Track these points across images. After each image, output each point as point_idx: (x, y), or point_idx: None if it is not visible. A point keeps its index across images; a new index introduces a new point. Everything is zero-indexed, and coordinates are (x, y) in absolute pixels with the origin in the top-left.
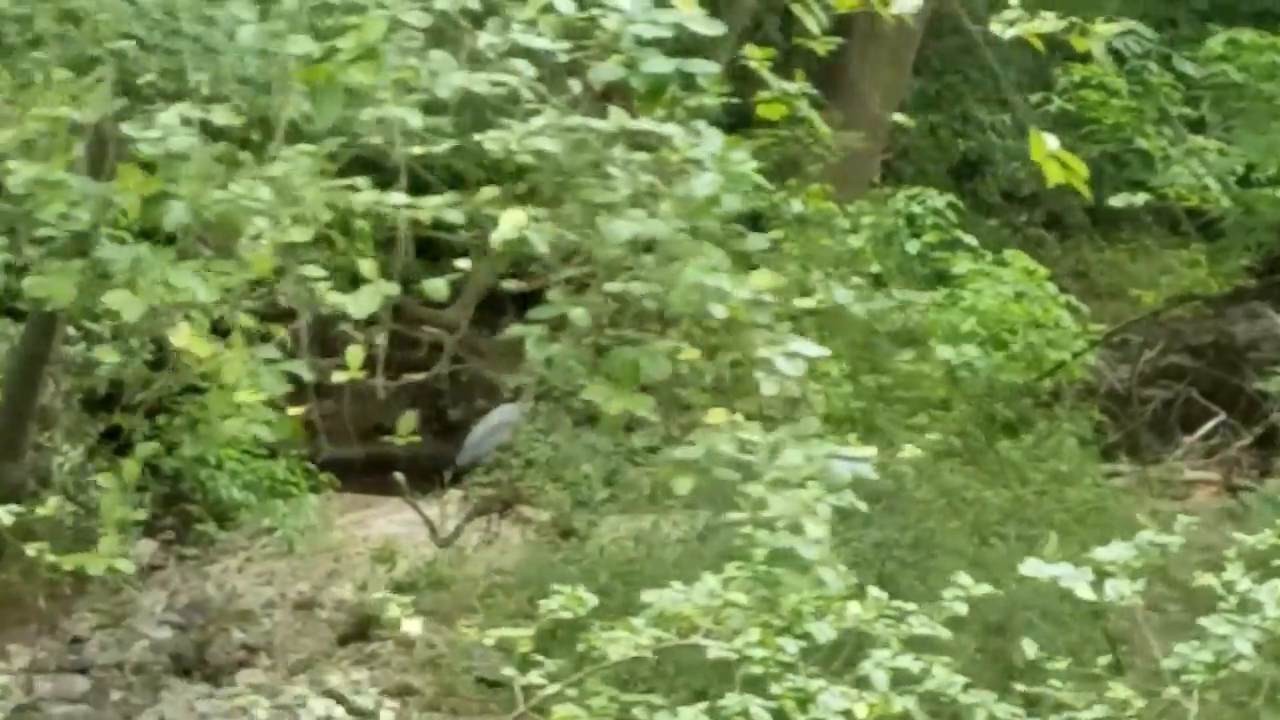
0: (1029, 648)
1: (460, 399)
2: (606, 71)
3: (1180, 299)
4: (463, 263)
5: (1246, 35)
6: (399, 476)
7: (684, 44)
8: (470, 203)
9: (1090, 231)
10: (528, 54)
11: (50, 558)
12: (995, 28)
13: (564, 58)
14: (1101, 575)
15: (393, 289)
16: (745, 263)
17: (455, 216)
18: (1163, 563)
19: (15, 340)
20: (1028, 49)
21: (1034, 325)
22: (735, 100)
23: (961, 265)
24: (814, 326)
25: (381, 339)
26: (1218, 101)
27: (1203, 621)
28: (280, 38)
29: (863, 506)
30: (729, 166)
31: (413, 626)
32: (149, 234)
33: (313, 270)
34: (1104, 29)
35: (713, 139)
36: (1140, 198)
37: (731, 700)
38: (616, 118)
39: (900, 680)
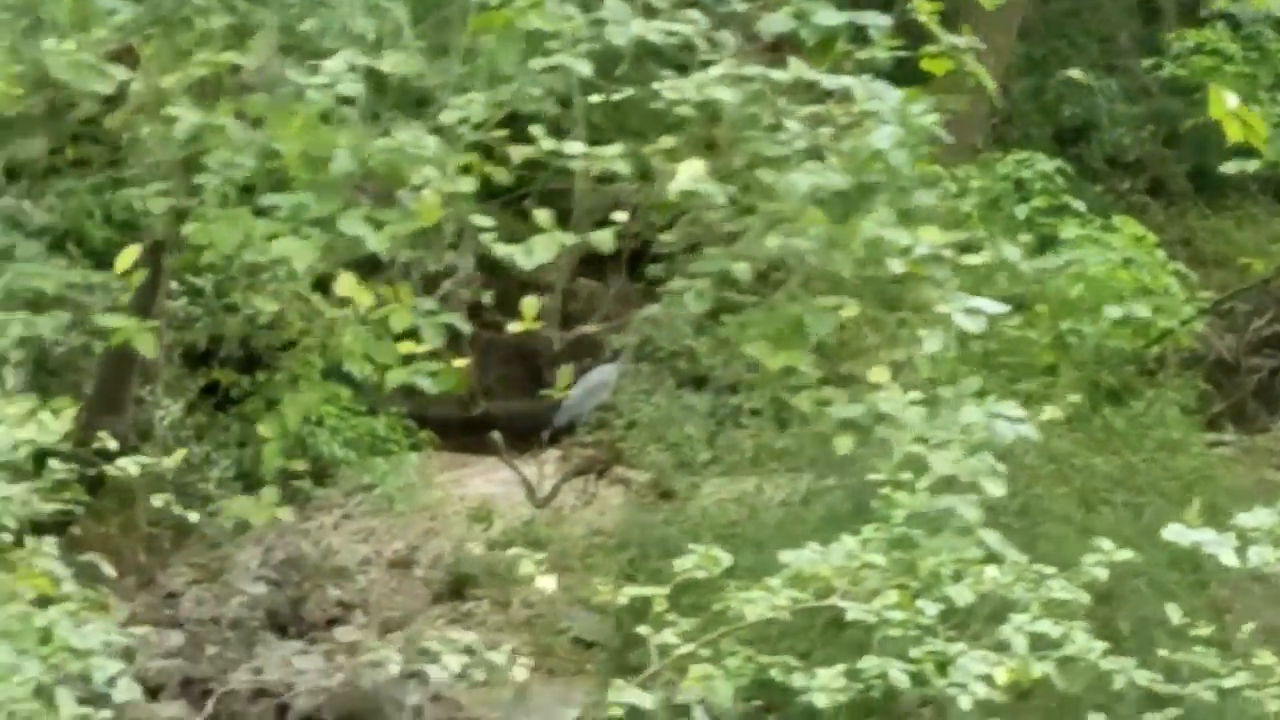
0: (1174, 612)
1: (557, 359)
2: (777, 23)
3: None
4: (620, 215)
5: None
6: (496, 436)
7: None
8: (649, 151)
9: (1194, 199)
10: (696, 5)
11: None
12: None
13: (739, 7)
14: (1245, 541)
15: (569, 238)
16: (910, 219)
17: (623, 167)
18: None
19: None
20: (1139, 13)
21: (1143, 292)
22: (905, 53)
23: (1069, 231)
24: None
25: (551, 295)
26: None
27: None
28: None
29: (1001, 469)
30: (909, 120)
31: (547, 583)
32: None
33: (481, 220)
34: None
35: (890, 92)
36: (1251, 165)
37: (870, 662)
38: (795, 68)
39: (1039, 645)
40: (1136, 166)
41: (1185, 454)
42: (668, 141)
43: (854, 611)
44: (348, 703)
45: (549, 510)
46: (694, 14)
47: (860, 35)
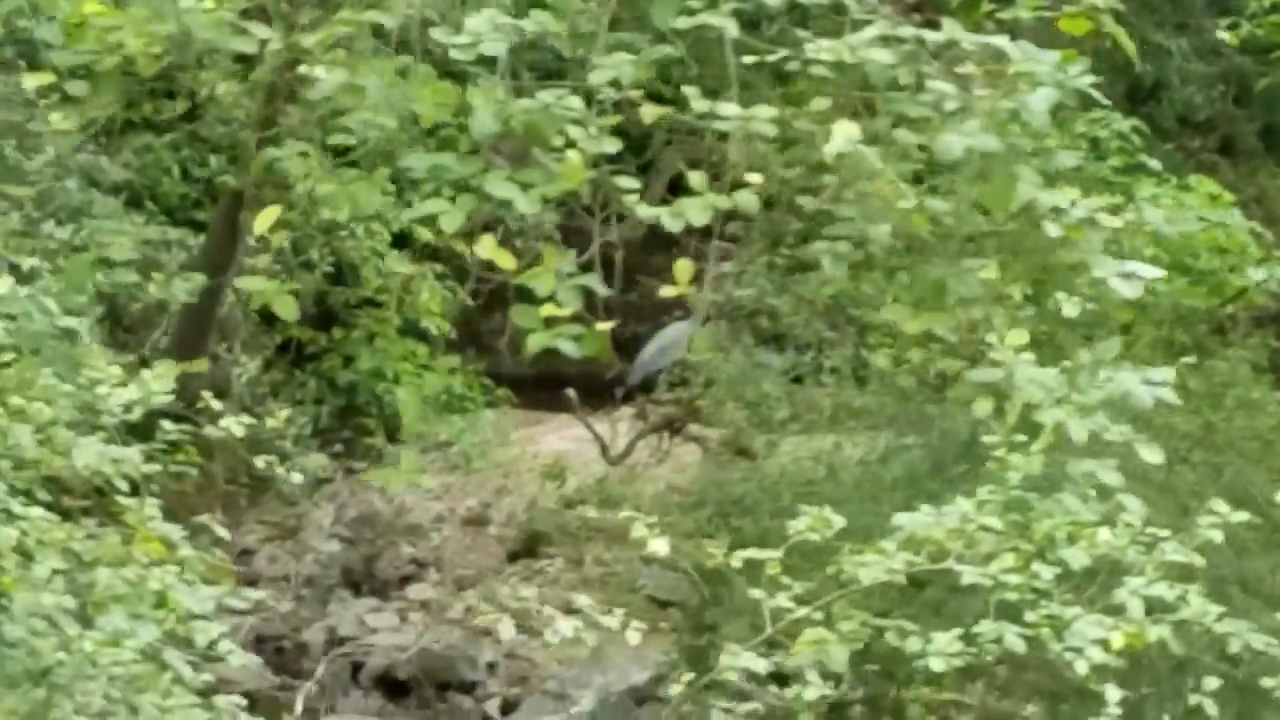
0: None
1: (630, 317)
2: None
3: None
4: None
5: None
6: (570, 393)
7: None
8: (802, 114)
9: (1264, 157)
10: None
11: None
12: None
13: None
14: None
15: (723, 200)
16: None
17: (768, 129)
18: None
19: (195, 251)
20: None
21: (1218, 251)
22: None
23: (1145, 189)
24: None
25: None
26: None
27: None
28: None
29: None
30: (1065, 82)
31: (660, 545)
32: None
33: (627, 181)
34: None
35: (1045, 54)
36: None
37: (986, 627)
38: (950, 29)
39: (1154, 608)
40: (1207, 125)
41: (1262, 413)
42: (821, 103)
43: (969, 575)
44: (422, 660)
45: (622, 468)
46: None
47: None
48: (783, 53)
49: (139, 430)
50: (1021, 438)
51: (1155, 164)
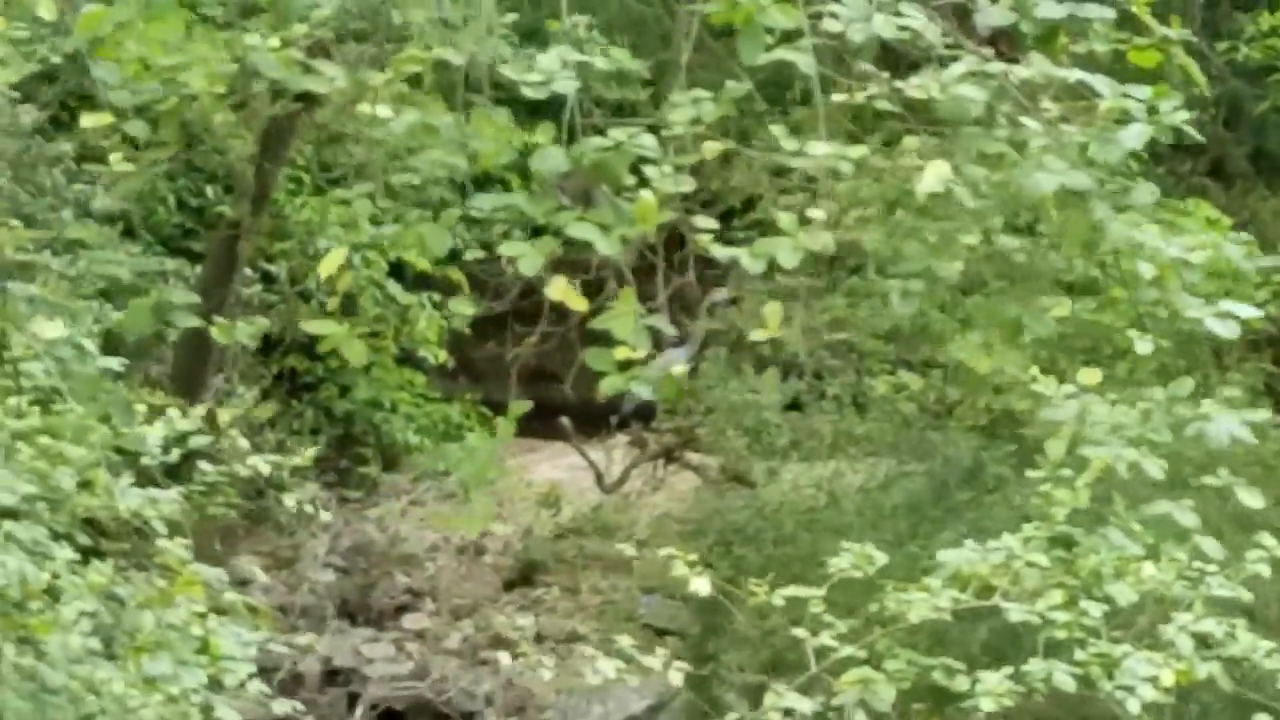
0: None
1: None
2: (996, 15)
3: None
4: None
5: None
6: (565, 421)
7: None
8: (892, 152)
9: (1254, 180)
10: None
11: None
12: None
13: None
14: None
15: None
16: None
17: (848, 168)
18: None
19: (192, 281)
20: None
21: (1216, 276)
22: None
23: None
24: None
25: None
26: None
27: None
28: None
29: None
30: (1158, 118)
31: (702, 585)
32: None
33: (705, 221)
34: None
35: (1138, 90)
36: None
37: (1036, 665)
38: (1038, 64)
39: (1203, 644)
40: (1198, 148)
41: (1263, 437)
42: (911, 142)
43: (1016, 613)
44: (418, 691)
45: (617, 496)
46: (912, 8)
47: (1081, 28)
48: (873, 89)
49: (170, 469)
50: (1067, 472)
51: (1154, 189)
